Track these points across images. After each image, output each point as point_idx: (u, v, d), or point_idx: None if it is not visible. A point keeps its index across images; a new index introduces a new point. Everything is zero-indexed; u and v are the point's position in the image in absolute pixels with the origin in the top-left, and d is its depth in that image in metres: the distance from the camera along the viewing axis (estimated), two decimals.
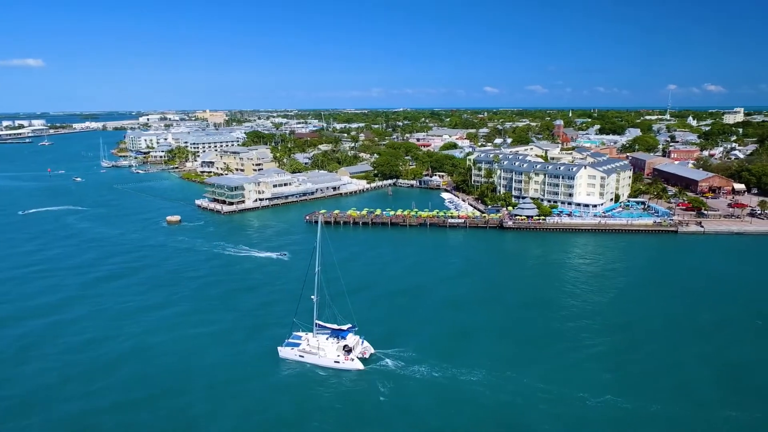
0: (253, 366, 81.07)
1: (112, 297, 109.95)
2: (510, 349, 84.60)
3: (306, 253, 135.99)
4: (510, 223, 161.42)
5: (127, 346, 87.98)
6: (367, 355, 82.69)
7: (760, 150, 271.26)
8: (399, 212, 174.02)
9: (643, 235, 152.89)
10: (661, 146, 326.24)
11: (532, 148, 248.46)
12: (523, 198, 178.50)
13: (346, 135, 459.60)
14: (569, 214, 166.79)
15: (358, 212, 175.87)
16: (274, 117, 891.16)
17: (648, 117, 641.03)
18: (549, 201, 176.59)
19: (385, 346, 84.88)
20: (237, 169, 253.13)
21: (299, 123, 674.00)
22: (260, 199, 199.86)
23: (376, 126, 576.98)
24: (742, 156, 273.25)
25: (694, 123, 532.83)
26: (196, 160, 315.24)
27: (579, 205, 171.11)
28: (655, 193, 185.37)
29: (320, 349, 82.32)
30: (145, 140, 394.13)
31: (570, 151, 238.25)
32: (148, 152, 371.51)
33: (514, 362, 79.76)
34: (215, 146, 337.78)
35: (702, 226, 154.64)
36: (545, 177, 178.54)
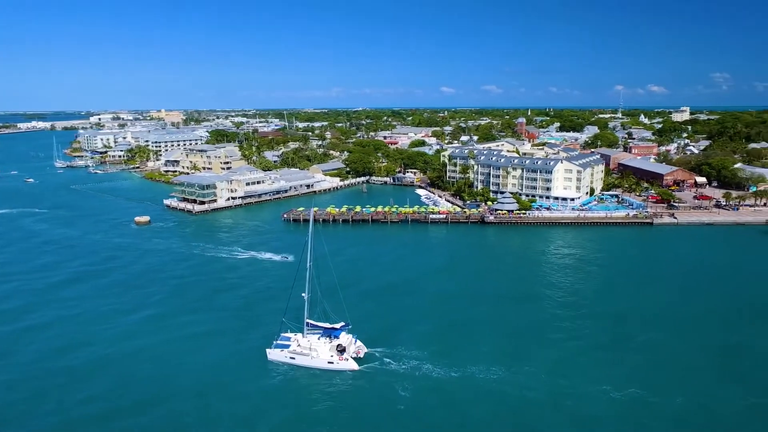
0: (241, 371, 76.36)
1: (86, 300, 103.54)
2: (506, 342, 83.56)
3: (290, 251, 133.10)
4: (491, 217, 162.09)
5: (105, 353, 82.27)
6: (361, 355, 79.50)
7: (714, 146, 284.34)
8: (379, 209, 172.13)
9: (620, 227, 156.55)
10: (621, 142, 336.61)
11: (503, 144, 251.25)
12: (502, 193, 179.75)
13: (311, 133, 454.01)
14: (548, 208, 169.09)
15: (338, 209, 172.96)
16: (233, 116, 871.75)
17: (601, 116, 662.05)
18: (527, 195, 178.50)
19: (377, 344, 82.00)
20: (204, 168, 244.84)
21: (261, 122, 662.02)
22: (233, 198, 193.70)
23: (340, 125, 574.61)
24: (696, 151, 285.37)
25: (646, 121, 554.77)
26: (158, 159, 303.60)
27: (557, 198, 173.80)
28: (628, 186, 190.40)
29: (312, 349, 78.74)
30: (102, 139, 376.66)
31: (541, 147, 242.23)
32: (106, 152, 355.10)
33: (515, 356, 78.64)
34: (180, 145, 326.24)
35: (675, 218, 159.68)
36: (523, 172, 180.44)
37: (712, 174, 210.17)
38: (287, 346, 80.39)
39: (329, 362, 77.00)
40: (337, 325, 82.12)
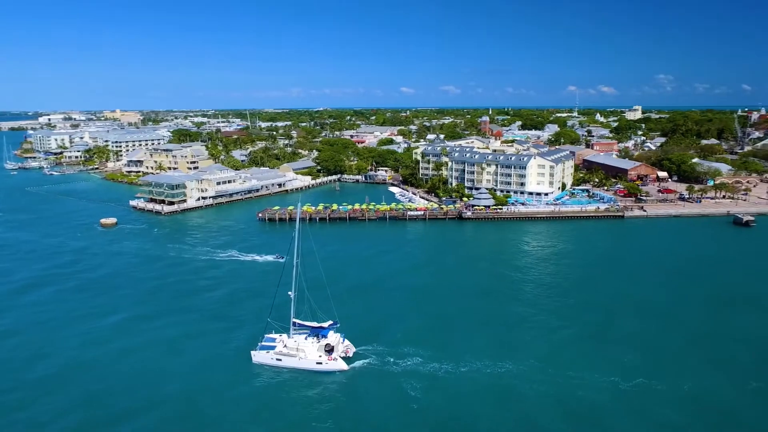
0: (225, 375, 73.11)
1: (53, 305, 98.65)
2: (496, 335, 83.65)
3: (272, 250, 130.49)
4: (469, 213, 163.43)
5: (78, 360, 77.74)
6: (350, 354, 77.67)
7: (670, 142, 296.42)
8: (356, 206, 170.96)
9: (594, 220, 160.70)
10: (583, 140, 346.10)
11: (473, 142, 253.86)
12: (477, 189, 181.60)
13: (275, 133, 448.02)
14: (523, 203, 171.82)
15: (314, 208, 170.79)
16: (192, 117, 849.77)
17: (559, 114, 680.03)
18: (502, 191, 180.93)
19: (364, 342, 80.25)
20: (170, 168, 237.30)
21: (222, 122, 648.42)
22: (203, 198, 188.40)
23: (304, 124, 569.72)
24: (653, 147, 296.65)
25: (602, 119, 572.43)
26: (119, 160, 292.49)
27: (531, 194, 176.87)
28: (598, 181, 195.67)
29: (299, 350, 76.35)
30: (56, 140, 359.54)
31: (511, 144, 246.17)
32: (61, 152, 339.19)
33: (508, 349, 78.51)
34: (141, 145, 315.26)
35: (645, 211, 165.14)
36: (497, 168, 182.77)
37: (672, 169, 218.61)
38: (273, 348, 77.89)
39: (318, 363, 74.91)
40: (325, 324, 79.66)
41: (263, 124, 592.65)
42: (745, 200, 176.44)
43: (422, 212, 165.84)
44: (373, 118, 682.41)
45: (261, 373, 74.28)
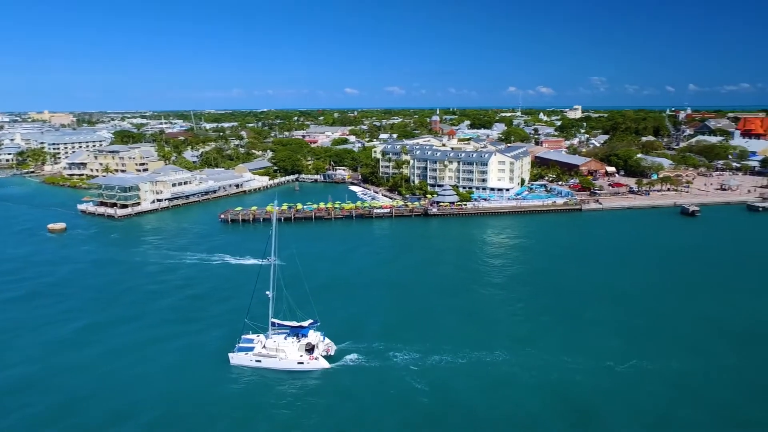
0: (204, 379, 70.30)
1: (3, 314, 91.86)
2: (476, 325, 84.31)
3: (238, 252, 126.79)
4: (434, 210, 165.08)
5: (36, 372, 72.72)
6: (331, 352, 76.40)
7: (614, 139, 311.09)
8: (321, 205, 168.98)
9: (554, 214, 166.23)
10: (532, 138, 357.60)
11: (429, 140, 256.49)
12: (440, 186, 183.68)
13: (224, 133, 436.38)
14: (486, 199, 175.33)
15: (278, 208, 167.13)
16: (130, 118, 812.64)
17: (503, 114, 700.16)
18: (464, 187, 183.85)
19: (343, 339, 79.22)
20: (118, 170, 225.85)
21: (163, 123, 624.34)
22: (158, 200, 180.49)
23: (251, 125, 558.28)
24: (598, 144, 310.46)
25: (545, 118, 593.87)
26: (57, 162, 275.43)
27: (492, 189, 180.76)
28: (555, 177, 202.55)
29: (279, 350, 74.76)
30: None
31: (467, 141, 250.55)
32: None
33: (491, 338, 79.22)
34: (82, 146, 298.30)
35: (600, 203, 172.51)
36: (459, 164, 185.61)
37: (619, 164, 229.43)
38: (251, 349, 75.87)
39: (299, 363, 73.40)
40: (305, 323, 78.12)
41: (208, 126, 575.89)
42: (687, 192, 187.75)
43: (388, 210, 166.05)
44: (321, 118, 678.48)
45: (241, 375, 72.10)
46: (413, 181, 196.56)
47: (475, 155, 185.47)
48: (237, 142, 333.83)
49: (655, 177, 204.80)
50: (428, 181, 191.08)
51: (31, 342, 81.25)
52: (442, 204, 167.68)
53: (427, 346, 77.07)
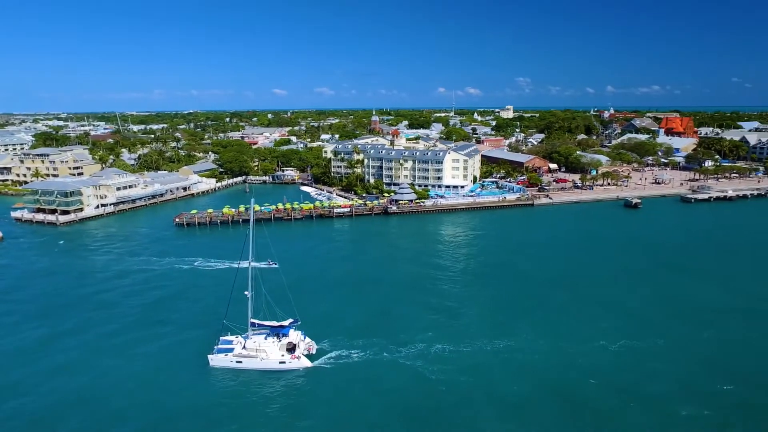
0: (184, 382, 68.43)
1: None
2: (450, 320, 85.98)
3: (206, 254, 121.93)
4: (394, 208, 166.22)
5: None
6: (313, 351, 76.00)
7: (551, 137, 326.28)
8: (280, 206, 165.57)
9: (509, 209, 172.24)
10: (473, 137, 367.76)
11: (378, 140, 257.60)
12: (396, 185, 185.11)
13: (156, 136, 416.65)
14: (443, 197, 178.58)
15: (234, 210, 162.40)
16: (43, 120, 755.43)
17: (438, 114, 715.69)
18: (420, 186, 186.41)
19: (320, 337, 78.60)
20: (49, 175, 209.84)
21: (86, 126, 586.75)
22: (103, 205, 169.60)
23: (183, 126, 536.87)
24: (535, 143, 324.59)
25: (479, 118, 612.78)
26: None
27: (448, 187, 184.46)
28: (504, 174, 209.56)
29: (260, 350, 73.75)
30: None
31: (416, 140, 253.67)
32: None
33: (468, 329, 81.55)
34: (4, 150, 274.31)
35: (550, 198, 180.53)
36: (414, 163, 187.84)
37: (560, 161, 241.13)
38: (231, 350, 74.44)
39: (281, 362, 72.65)
40: (285, 323, 77.35)
41: (135, 128, 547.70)
42: (627, 186, 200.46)
43: (348, 209, 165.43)
44: (255, 119, 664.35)
45: (222, 376, 70.47)
46: (368, 181, 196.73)
47: (430, 154, 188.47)
48: (174, 144, 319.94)
49: (594, 173, 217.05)
50: (384, 180, 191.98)
51: None
52: (401, 202, 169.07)
53: (404, 339, 77.96)
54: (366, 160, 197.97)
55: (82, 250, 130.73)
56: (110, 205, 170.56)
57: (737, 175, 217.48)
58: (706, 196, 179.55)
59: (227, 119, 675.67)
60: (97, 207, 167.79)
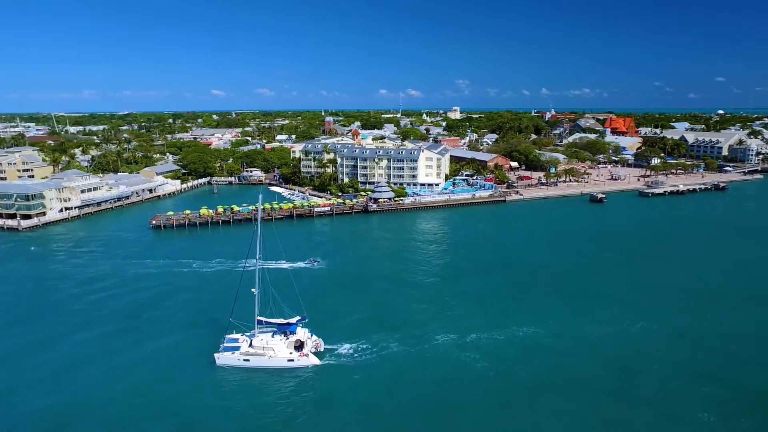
0: (191, 382, 67.62)
1: None
2: (448, 313, 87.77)
3: (190, 256, 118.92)
4: (374, 206, 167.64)
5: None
6: (321, 349, 76.25)
7: (506, 137, 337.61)
8: (258, 206, 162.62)
9: (483, 205, 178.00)
10: (430, 137, 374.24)
11: (342, 139, 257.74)
12: (371, 183, 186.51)
13: (96, 138, 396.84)
14: (419, 194, 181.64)
15: (211, 211, 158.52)
16: None
17: (386, 116, 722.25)
18: (395, 184, 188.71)
19: (325, 335, 78.31)
20: None
21: (18, 126, 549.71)
22: (67, 209, 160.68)
23: (125, 127, 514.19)
24: (490, 143, 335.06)
25: (429, 119, 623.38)
26: None
27: (423, 185, 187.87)
28: (472, 172, 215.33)
29: (267, 348, 73.79)
30: None
31: (382, 140, 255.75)
32: None
33: (467, 320, 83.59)
34: None
35: (521, 194, 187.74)
36: (389, 162, 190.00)
37: (521, 159, 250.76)
38: (237, 348, 74.19)
39: (289, 360, 72.67)
40: (293, 320, 77.60)
41: (73, 129, 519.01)
42: (587, 183, 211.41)
43: (329, 208, 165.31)
44: (201, 120, 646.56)
45: (230, 375, 69.94)
46: (342, 180, 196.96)
47: (404, 152, 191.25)
48: (126, 145, 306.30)
49: (553, 170, 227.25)
50: (359, 179, 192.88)
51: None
52: (380, 200, 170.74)
53: (409, 334, 78.92)
54: (339, 159, 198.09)
55: (57, 254, 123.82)
56: (75, 208, 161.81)
57: (682, 171, 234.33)
58: (661, 191, 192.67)
59: (170, 120, 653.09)
60: (61, 210, 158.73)
